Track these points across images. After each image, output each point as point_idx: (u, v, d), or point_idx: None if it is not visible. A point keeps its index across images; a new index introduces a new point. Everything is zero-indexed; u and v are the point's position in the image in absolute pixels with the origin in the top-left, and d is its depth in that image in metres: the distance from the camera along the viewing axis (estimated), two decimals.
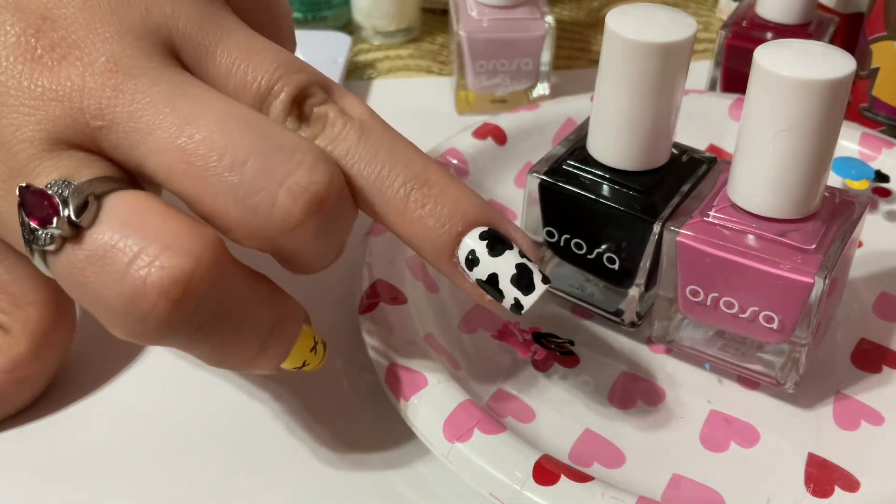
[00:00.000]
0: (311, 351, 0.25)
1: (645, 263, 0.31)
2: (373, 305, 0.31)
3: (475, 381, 0.30)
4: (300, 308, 0.25)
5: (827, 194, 0.29)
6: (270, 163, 0.22)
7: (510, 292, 0.24)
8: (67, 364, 0.30)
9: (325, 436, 0.29)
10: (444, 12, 0.57)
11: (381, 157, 0.24)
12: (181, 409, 0.30)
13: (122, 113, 0.22)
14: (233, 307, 0.22)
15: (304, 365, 0.25)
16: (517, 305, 0.24)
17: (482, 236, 0.24)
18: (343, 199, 0.23)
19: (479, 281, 0.24)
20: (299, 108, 0.24)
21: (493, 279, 0.24)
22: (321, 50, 0.50)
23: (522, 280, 0.24)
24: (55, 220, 0.21)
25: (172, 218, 0.21)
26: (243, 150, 0.22)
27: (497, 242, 0.24)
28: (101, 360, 0.31)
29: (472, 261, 0.24)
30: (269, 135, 0.22)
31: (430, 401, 0.27)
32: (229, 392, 0.31)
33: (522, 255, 0.24)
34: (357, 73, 0.51)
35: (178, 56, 0.23)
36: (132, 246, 0.21)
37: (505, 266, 0.24)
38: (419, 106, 0.48)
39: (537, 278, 0.24)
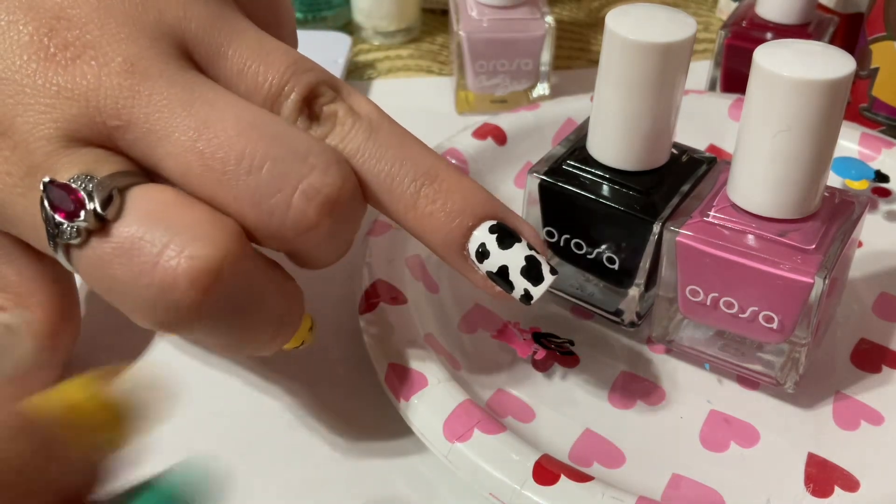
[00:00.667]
0: (308, 331, 0.26)
1: (645, 263, 0.31)
2: (373, 305, 0.31)
3: (475, 381, 0.30)
4: (301, 291, 0.25)
5: (827, 194, 0.29)
6: (285, 166, 0.22)
7: (520, 283, 0.25)
8: (69, 364, 0.30)
9: (325, 436, 0.29)
10: (444, 12, 0.57)
11: (390, 154, 0.24)
12: (181, 410, 0.30)
13: (140, 114, 0.22)
14: (255, 294, 0.23)
15: (301, 344, 0.26)
16: (527, 296, 0.25)
17: (492, 230, 0.25)
18: (354, 198, 0.24)
19: (488, 273, 0.25)
20: (309, 107, 0.24)
21: (503, 271, 0.25)
22: (321, 50, 0.50)
23: (532, 271, 0.25)
24: (82, 213, 0.21)
25: (196, 209, 0.22)
26: (260, 153, 0.22)
27: (506, 236, 0.25)
28: (102, 362, 0.31)
29: (483, 253, 0.25)
30: (284, 138, 0.23)
31: (430, 401, 0.27)
32: (229, 393, 0.31)
33: (530, 247, 0.25)
34: (357, 73, 0.51)
35: (190, 56, 0.24)
36: (160, 237, 0.21)
37: (514, 258, 0.25)
38: (419, 106, 0.48)
39: (545, 269, 0.25)
